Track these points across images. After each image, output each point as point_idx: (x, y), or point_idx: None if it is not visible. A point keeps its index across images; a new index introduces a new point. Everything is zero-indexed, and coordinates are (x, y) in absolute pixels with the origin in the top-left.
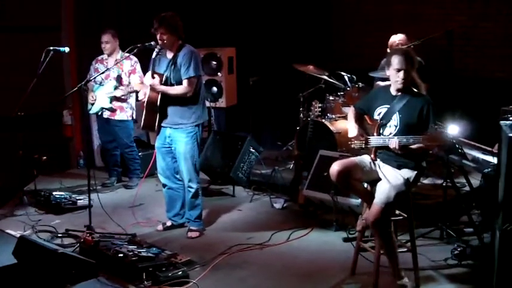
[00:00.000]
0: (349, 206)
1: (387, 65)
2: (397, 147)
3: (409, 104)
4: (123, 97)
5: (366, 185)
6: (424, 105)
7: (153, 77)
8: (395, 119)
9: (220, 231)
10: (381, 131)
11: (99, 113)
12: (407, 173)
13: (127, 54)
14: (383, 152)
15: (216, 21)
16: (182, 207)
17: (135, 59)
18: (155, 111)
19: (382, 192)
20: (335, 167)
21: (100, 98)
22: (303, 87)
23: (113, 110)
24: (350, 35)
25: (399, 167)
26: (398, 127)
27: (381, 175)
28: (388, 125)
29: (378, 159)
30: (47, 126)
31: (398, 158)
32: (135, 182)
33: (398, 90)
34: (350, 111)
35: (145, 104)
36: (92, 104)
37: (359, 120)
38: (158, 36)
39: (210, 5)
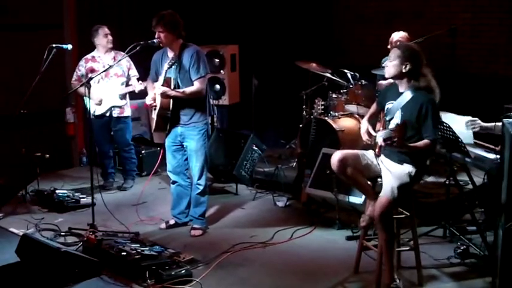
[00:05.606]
0: (352, 205)
1: (422, 63)
2: (381, 143)
3: (412, 101)
4: (135, 92)
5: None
6: (423, 104)
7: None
8: (397, 116)
9: (223, 229)
10: (386, 127)
11: (108, 113)
12: (408, 167)
13: (122, 53)
14: (386, 148)
15: (219, 19)
16: (188, 206)
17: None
18: (168, 115)
19: (387, 183)
20: (335, 156)
21: (108, 97)
22: (306, 84)
23: (121, 107)
24: (352, 32)
25: (400, 162)
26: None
27: (383, 169)
28: (391, 121)
29: (382, 155)
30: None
31: (400, 154)
32: (130, 183)
33: (404, 87)
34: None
35: (157, 110)
36: (98, 105)
37: (375, 114)
38: (156, 34)
39: (212, 2)
